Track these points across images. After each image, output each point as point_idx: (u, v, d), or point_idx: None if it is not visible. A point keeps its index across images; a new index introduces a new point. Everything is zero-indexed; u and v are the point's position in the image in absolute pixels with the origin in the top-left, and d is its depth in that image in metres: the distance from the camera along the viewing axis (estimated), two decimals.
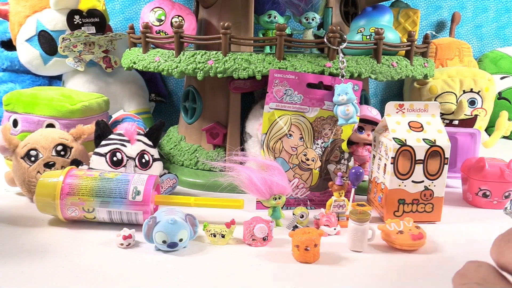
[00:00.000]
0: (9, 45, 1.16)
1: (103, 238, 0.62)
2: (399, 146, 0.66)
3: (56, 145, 0.74)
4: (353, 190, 0.69)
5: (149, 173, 0.73)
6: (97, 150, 0.75)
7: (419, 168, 0.67)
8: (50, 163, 0.73)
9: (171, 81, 1.34)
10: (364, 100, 0.97)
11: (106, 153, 0.74)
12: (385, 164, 0.69)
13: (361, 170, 0.68)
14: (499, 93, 1.33)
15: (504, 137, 1.34)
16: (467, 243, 0.64)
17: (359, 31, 0.84)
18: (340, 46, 0.74)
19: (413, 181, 0.68)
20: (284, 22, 0.96)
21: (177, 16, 0.86)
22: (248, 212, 0.72)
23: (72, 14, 1.07)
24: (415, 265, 0.57)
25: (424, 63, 0.89)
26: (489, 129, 1.22)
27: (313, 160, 0.75)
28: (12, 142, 0.73)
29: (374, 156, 0.74)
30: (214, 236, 0.61)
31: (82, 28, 1.08)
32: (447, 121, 1.11)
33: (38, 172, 0.72)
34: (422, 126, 0.69)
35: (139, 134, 0.78)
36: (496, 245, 0.40)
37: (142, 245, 0.61)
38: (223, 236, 0.61)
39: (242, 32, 0.84)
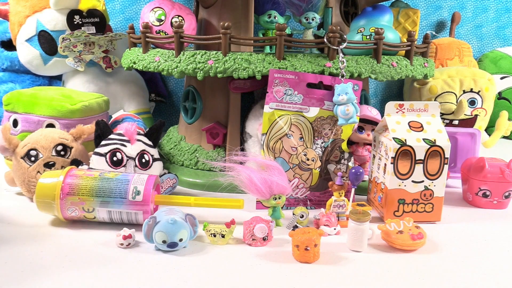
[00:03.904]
0: (9, 45, 1.16)
1: (103, 238, 0.62)
2: (399, 146, 0.66)
3: (56, 145, 0.74)
4: (353, 190, 0.69)
5: (149, 173, 0.72)
6: (97, 150, 0.75)
7: (419, 168, 0.67)
8: (50, 163, 0.73)
9: (171, 81, 1.34)
10: (364, 100, 0.97)
11: (106, 153, 0.74)
12: (385, 164, 0.69)
13: (361, 170, 0.68)
14: (499, 93, 1.33)
15: (504, 137, 1.34)
16: (467, 243, 0.64)
17: (359, 31, 0.84)
18: (340, 46, 0.74)
19: (413, 181, 0.68)
20: (284, 22, 0.96)
21: (177, 16, 0.86)
22: (248, 212, 0.72)
23: (72, 14, 1.07)
24: (415, 265, 0.57)
25: (424, 63, 0.89)
26: (489, 129, 1.22)
27: (313, 160, 0.75)
28: (12, 142, 0.73)
29: (374, 156, 0.74)
30: (214, 236, 0.61)
31: (82, 28, 1.08)
32: (447, 121, 1.11)
33: (38, 172, 0.72)
34: (422, 126, 0.69)
35: (139, 134, 0.78)
36: None
37: (142, 245, 0.61)
38: (223, 236, 0.61)
39: (242, 32, 0.84)
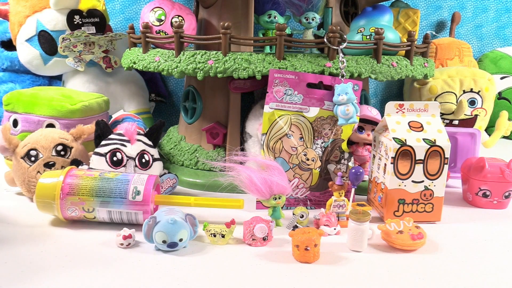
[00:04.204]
0: (9, 45, 1.16)
1: (103, 238, 0.62)
2: (399, 146, 0.66)
3: (56, 145, 0.74)
4: (353, 190, 0.69)
5: (149, 173, 0.72)
6: (97, 150, 0.75)
7: (419, 168, 0.67)
8: (50, 163, 0.73)
9: (171, 81, 1.34)
10: (364, 100, 0.97)
11: (106, 153, 0.74)
12: (385, 164, 0.69)
13: (361, 170, 0.68)
14: (499, 93, 1.33)
15: (504, 137, 1.34)
16: (467, 243, 0.64)
17: (359, 31, 0.84)
18: (340, 46, 0.74)
19: (413, 181, 0.68)
20: (284, 22, 0.96)
21: (177, 16, 0.86)
22: (248, 212, 0.72)
23: (72, 14, 1.07)
24: (415, 265, 0.57)
25: (424, 63, 0.89)
26: (489, 129, 1.22)
27: (313, 160, 0.75)
28: (12, 142, 0.73)
29: (374, 156, 0.74)
30: (214, 236, 0.61)
31: (82, 28, 1.08)
32: (447, 121, 1.11)
33: (38, 172, 0.72)
34: (422, 126, 0.69)
35: (139, 134, 0.78)
36: None
37: (142, 245, 0.60)
38: (223, 236, 0.61)
39: (242, 32, 0.84)
